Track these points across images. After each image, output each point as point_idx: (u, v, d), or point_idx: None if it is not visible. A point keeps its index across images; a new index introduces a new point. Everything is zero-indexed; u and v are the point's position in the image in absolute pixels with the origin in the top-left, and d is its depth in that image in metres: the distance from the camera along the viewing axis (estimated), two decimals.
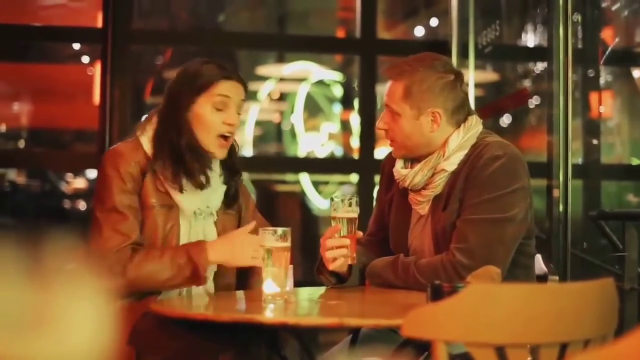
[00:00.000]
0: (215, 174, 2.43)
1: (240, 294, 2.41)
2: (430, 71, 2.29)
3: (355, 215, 2.28)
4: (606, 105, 4.94)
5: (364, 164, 4.54)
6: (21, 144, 5.94)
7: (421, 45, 5.06)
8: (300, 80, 5.95)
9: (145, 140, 2.37)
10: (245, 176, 2.98)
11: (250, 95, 5.83)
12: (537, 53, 4.78)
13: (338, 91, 6.13)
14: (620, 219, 3.58)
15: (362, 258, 2.36)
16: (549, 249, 3.66)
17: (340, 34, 6.07)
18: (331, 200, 2.31)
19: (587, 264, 3.94)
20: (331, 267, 2.30)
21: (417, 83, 2.28)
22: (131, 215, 2.30)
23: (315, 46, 5.07)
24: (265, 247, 2.07)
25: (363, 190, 4.45)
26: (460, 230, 2.20)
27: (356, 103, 5.02)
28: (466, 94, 2.36)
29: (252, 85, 5.88)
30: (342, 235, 2.28)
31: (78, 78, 5.83)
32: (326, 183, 5.94)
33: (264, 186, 5.86)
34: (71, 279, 0.76)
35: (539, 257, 2.39)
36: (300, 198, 5.89)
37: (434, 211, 2.30)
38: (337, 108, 6.25)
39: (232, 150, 2.47)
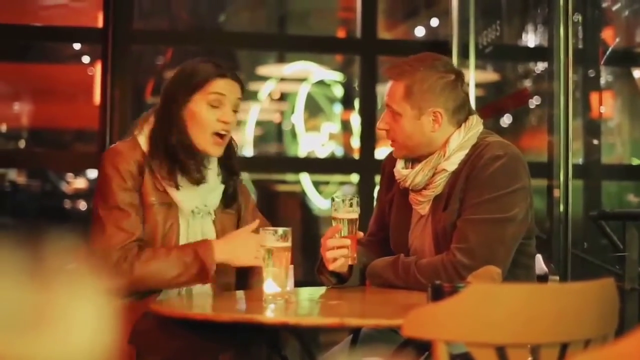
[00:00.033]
0: (213, 173, 2.43)
1: (240, 293, 2.41)
2: (431, 71, 2.29)
3: (356, 215, 2.28)
4: (607, 106, 4.94)
5: (364, 164, 4.54)
6: (22, 144, 5.95)
7: (422, 45, 5.06)
8: (301, 80, 5.95)
9: (143, 139, 2.38)
10: (246, 176, 2.98)
11: (251, 96, 5.84)
12: (538, 53, 4.78)
13: (338, 91, 6.13)
14: (620, 219, 3.58)
15: (362, 258, 2.36)
16: (549, 249, 3.66)
17: (341, 34, 6.07)
18: (332, 200, 2.31)
19: (587, 264, 3.94)
20: (331, 267, 2.30)
21: (418, 83, 2.28)
22: (133, 212, 2.31)
23: (315, 46, 5.06)
24: (265, 247, 2.07)
25: (363, 191, 4.45)
26: (461, 230, 2.20)
27: (357, 103, 5.02)
28: (467, 94, 2.36)
29: (253, 86, 5.88)
30: (342, 235, 2.27)
31: (78, 78, 5.83)
32: (327, 183, 5.94)
33: (265, 186, 5.86)
34: (72, 279, 0.76)
35: (539, 257, 2.39)
36: (300, 198, 5.89)
37: (434, 211, 2.30)
38: (338, 108, 6.25)
39: (231, 150, 2.47)
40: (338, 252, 2.27)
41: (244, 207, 2.54)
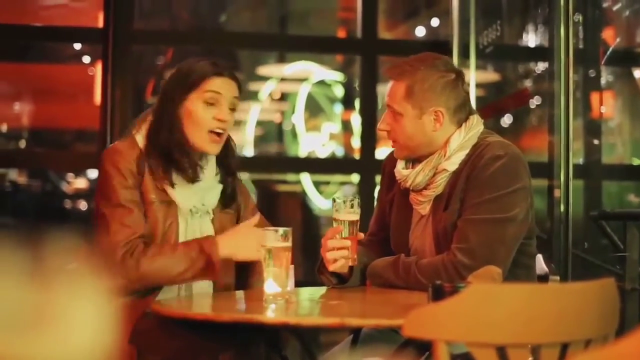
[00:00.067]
0: (211, 172, 2.43)
1: (240, 293, 2.41)
2: (432, 70, 2.29)
3: (357, 217, 2.28)
4: (607, 106, 4.94)
5: (365, 164, 4.54)
6: (22, 144, 5.95)
7: (422, 45, 5.06)
8: (301, 80, 5.95)
9: (140, 138, 2.39)
10: (246, 176, 2.98)
11: (251, 96, 5.84)
12: (538, 53, 4.78)
13: (339, 91, 6.13)
14: (621, 219, 3.58)
15: (363, 258, 2.36)
16: (550, 249, 3.66)
17: (341, 34, 6.07)
18: (333, 201, 2.31)
19: (588, 264, 3.94)
20: (331, 268, 2.30)
21: (418, 82, 2.28)
22: (136, 209, 2.32)
23: (316, 46, 5.07)
24: (266, 247, 2.08)
25: (364, 191, 4.45)
26: (461, 230, 2.20)
27: (357, 103, 5.02)
28: (467, 93, 2.36)
29: (253, 86, 5.88)
30: (343, 236, 2.28)
31: (79, 78, 5.83)
32: (327, 183, 5.94)
33: (265, 186, 5.86)
34: (72, 279, 0.76)
35: (540, 257, 2.39)
36: (301, 198, 5.89)
37: (435, 211, 2.30)
38: (338, 108, 6.24)
39: (230, 150, 2.48)
40: (338, 253, 2.27)
41: (243, 207, 2.54)
